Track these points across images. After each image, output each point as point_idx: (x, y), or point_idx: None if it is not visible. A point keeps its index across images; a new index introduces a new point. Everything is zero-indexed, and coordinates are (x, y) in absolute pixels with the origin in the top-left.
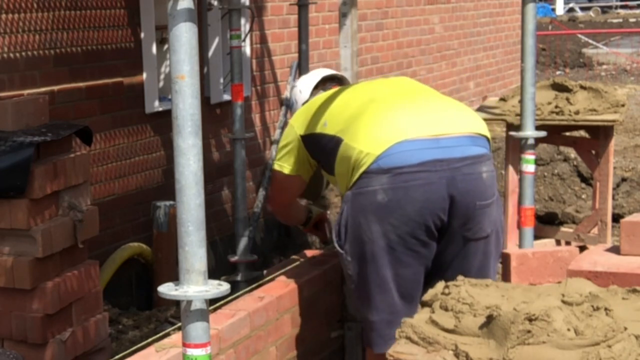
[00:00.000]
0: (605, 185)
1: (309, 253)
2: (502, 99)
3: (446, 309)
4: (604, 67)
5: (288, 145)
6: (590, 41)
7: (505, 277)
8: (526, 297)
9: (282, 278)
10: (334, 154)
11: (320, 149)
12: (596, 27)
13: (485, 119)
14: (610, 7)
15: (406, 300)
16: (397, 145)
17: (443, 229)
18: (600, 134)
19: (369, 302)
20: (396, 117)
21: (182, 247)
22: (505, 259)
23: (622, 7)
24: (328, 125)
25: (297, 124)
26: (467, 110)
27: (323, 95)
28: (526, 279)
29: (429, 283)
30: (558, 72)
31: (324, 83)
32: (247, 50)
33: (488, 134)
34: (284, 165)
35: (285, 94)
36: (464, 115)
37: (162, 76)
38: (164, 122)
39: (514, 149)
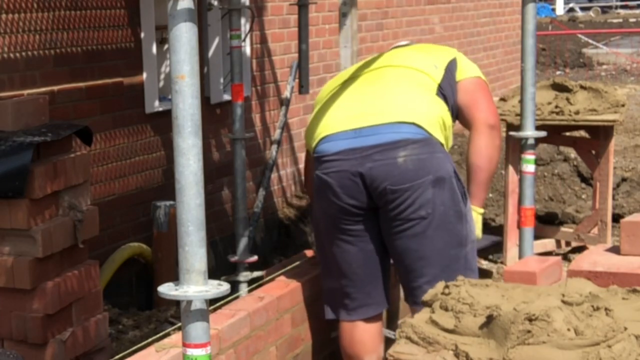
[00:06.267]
0: (605, 185)
1: (309, 253)
2: (502, 99)
3: (446, 309)
4: (604, 67)
5: None
6: (590, 41)
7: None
8: (526, 297)
9: (282, 278)
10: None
11: None
12: (596, 27)
13: None
14: (610, 7)
15: (346, 277)
16: (326, 137)
17: (372, 209)
18: (600, 134)
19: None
20: (336, 111)
21: (182, 247)
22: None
23: (622, 7)
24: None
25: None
26: (406, 99)
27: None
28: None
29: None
30: (558, 72)
31: None
32: (247, 50)
33: (422, 121)
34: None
35: (285, 94)
36: (396, 105)
37: (162, 76)
38: (164, 122)
39: (514, 149)
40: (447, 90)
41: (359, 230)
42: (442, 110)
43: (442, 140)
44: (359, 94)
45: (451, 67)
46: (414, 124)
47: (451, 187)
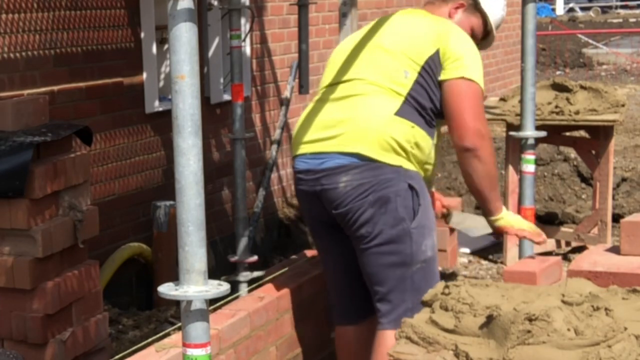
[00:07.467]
0: (605, 185)
1: (309, 253)
2: (502, 99)
3: (446, 309)
4: (604, 67)
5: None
6: (590, 41)
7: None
8: (526, 297)
9: (282, 278)
10: None
11: None
12: (596, 27)
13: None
14: (610, 7)
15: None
16: (296, 157)
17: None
18: (600, 134)
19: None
20: (307, 132)
21: (182, 247)
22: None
23: (622, 7)
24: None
25: None
26: (359, 127)
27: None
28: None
29: None
30: (558, 72)
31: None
32: (247, 50)
33: (368, 150)
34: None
35: (285, 94)
36: (347, 135)
37: (162, 76)
38: (164, 122)
39: (514, 149)
40: (420, 95)
41: (333, 239)
42: (400, 131)
43: (399, 162)
44: (324, 116)
45: (430, 65)
46: (357, 154)
47: (394, 207)
